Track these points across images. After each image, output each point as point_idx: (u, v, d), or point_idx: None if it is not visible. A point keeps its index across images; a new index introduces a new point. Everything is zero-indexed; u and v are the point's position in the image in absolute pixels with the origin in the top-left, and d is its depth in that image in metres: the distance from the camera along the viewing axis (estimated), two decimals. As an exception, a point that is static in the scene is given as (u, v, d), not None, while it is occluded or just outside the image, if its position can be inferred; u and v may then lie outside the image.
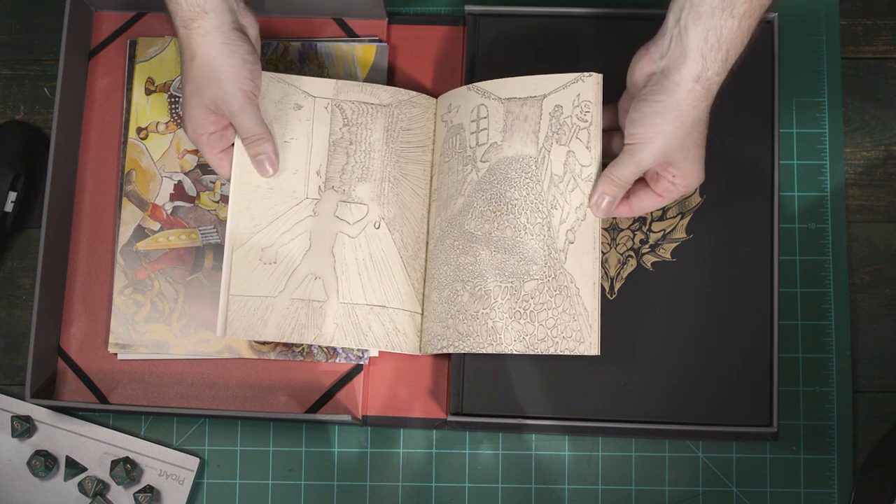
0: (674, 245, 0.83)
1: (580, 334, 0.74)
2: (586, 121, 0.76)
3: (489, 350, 0.75)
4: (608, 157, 0.75)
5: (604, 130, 0.77)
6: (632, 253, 0.83)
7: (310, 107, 0.81)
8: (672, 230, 0.83)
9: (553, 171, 0.76)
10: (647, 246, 0.83)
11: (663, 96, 0.68)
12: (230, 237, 0.78)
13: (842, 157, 0.87)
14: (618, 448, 0.84)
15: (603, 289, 0.82)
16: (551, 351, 0.74)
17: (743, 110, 0.85)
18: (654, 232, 0.83)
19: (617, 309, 0.82)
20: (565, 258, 0.75)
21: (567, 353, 0.74)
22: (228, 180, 0.79)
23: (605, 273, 0.83)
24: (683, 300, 0.82)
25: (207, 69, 0.74)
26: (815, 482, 0.83)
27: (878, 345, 0.85)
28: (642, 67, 0.70)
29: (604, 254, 0.83)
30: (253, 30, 0.77)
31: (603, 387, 0.81)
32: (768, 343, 0.81)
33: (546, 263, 0.75)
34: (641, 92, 0.70)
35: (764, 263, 0.82)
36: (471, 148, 0.79)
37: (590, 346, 0.73)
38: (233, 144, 0.79)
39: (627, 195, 0.75)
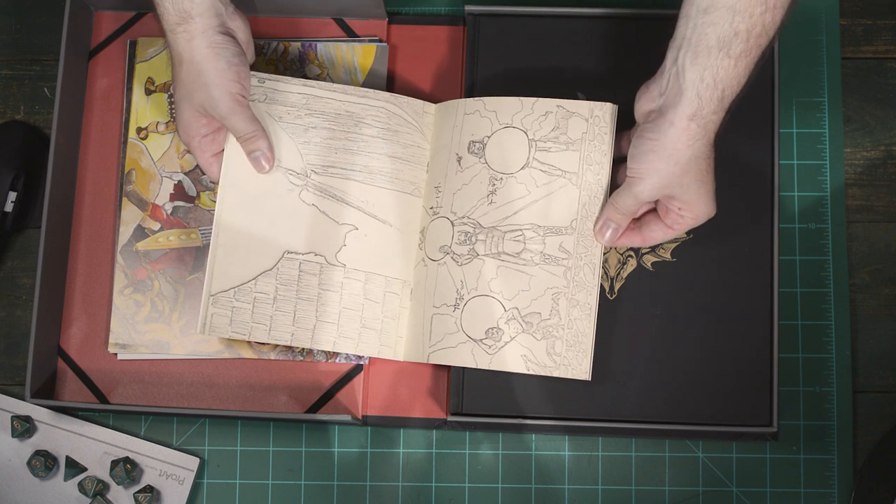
0: (674, 245, 0.83)
1: (574, 359, 0.75)
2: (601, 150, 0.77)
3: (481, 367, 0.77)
4: (616, 186, 0.76)
5: (616, 159, 0.78)
6: (632, 253, 0.83)
7: (305, 107, 0.81)
8: (672, 230, 0.83)
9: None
10: (647, 246, 0.83)
11: (657, 134, 0.69)
12: (217, 235, 0.78)
13: (842, 157, 0.87)
14: (618, 448, 0.84)
15: (603, 289, 0.82)
16: (545, 373, 0.75)
17: (743, 110, 0.85)
18: (655, 232, 0.83)
19: (617, 309, 0.82)
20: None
21: (560, 376, 0.75)
22: (217, 182, 0.79)
23: (606, 273, 0.83)
24: (683, 300, 0.82)
25: (195, 73, 0.74)
26: (815, 482, 0.83)
27: (878, 345, 0.85)
28: (642, 105, 0.71)
29: (604, 254, 0.83)
30: (243, 33, 0.77)
31: (603, 387, 0.81)
32: (768, 343, 0.81)
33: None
34: (640, 128, 0.71)
35: (764, 263, 0.82)
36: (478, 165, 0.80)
37: (583, 371, 0.75)
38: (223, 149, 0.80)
39: (639, 226, 0.76)
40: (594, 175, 0.77)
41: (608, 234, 0.76)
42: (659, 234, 0.76)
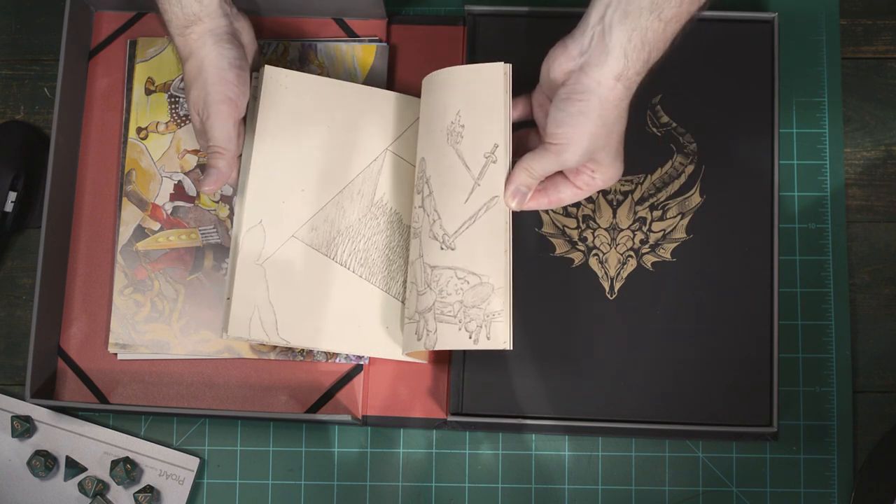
0: (674, 245, 0.83)
1: (492, 327, 0.72)
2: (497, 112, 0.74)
3: (416, 349, 0.75)
4: (522, 150, 0.74)
5: (516, 123, 0.76)
6: (632, 253, 0.83)
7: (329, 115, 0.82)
8: (672, 230, 0.83)
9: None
10: (647, 246, 0.83)
11: (586, 95, 0.67)
12: (236, 239, 0.79)
13: (842, 157, 0.87)
14: (618, 448, 0.84)
15: (603, 289, 0.82)
16: (466, 346, 0.72)
17: (743, 110, 0.85)
18: (654, 232, 0.83)
19: (617, 309, 0.82)
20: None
21: (482, 347, 0.72)
22: (235, 187, 0.79)
23: (606, 273, 0.83)
24: (683, 300, 0.82)
25: (197, 70, 0.74)
26: (815, 482, 0.83)
27: (878, 345, 0.85)
28: (560, 64, 0.69)
29: (604, 254, 0.83)
30: (247, 35, 0.77)
31: (602, 387, 0.81)
32: (768, 343, 0.81)
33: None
34: (562, 90, 0.69)
35: (764, 263, 0.82)
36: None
37: (502, 342, 0.71)
38: (240, 156, 0.80)
39: (545, 188, 0.74)
40: (492, 137, 0.74)
41: (518, 199, 0.73)
42: (568, 195, 0.73)
